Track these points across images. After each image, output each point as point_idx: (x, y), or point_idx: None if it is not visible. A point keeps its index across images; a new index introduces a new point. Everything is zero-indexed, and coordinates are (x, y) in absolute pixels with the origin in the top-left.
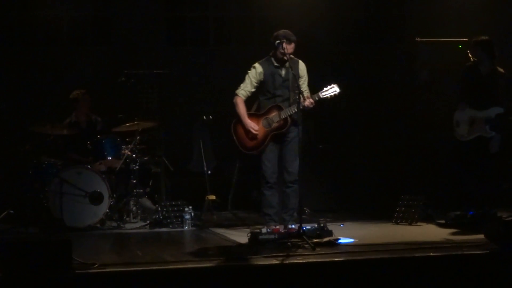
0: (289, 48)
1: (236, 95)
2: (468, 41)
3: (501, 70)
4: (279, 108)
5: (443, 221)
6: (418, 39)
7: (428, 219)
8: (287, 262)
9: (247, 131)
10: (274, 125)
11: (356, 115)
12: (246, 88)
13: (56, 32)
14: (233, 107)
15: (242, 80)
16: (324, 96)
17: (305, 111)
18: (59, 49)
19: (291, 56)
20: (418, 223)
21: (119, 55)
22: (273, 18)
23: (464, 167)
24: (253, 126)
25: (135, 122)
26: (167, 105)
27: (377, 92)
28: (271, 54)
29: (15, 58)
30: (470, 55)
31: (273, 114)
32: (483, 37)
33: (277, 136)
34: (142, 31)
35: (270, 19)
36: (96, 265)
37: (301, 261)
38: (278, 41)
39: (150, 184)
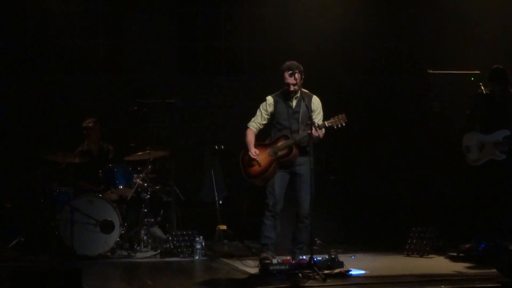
0: (290, 78)
1: (247, 127)
2: (480, 73)
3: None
4: (286, 137)
5: (454, 254)
6: (430, 71)
7: (440, 252)
8: None
9: (250, 158)
10: (279, 153)
11: (368, 146)
12: (256, 120)
13: (69, 60)
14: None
15: (253, 109)
16: (330, 125)
17: (315, 142)
18: (71, 78)
19: (306, 91)
20: (430, 256)
21: (131, 84)
22: (285, 48)
23: (477, 194)
24: (255, 152)
25: (147, 151)
26: (178, 134)
27: (389, 123)
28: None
29: (28, 86)
30: (482, 87)
31: (280, 143)
32: (494, 67)
33: (285, 165)
34: (155, 60)
35: (282, 49)
36: None
37: None
38: (280, 73)
39: (161, 213)
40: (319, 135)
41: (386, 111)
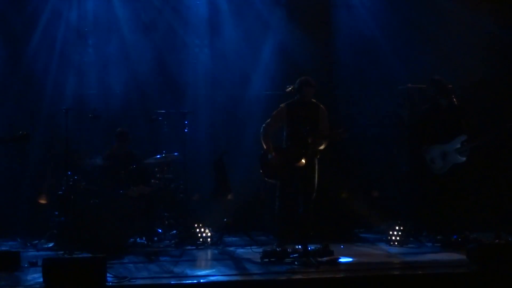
0: (308, 91)
1: (263, 128)
2: (452, 87)
3: (456, 102)
4: (299, 145)
5: (430, 244)
6: (410, 85)
7: (417, 242)
8: (294, 277)
9: (272, 164)
10: (296, 164)
11: (356, 154)
12: (270, 124)
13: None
14: (258, 139)
15: (251, 121)
16: (334, 136)
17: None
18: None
19: (314, 100)
20: (409, 245)
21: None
22: (281, 70)
23: (443, 197)
24: (277, 160)
25: (164, 155)
26: (191, 140)
27: (370, 135)
28: (296, 97)
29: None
30: (454, 99)
31: (294, 151)
32: (433, 77)
33: (296, 167)
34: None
35: (280, 71)
36: (128, 278)
37: (306, 277)
38: (299, 86)
39: (176, 207)
40: (324, 143)
41: (370, 120)
